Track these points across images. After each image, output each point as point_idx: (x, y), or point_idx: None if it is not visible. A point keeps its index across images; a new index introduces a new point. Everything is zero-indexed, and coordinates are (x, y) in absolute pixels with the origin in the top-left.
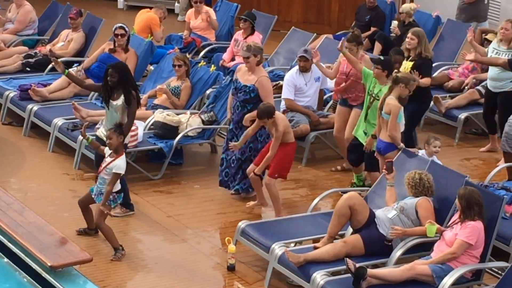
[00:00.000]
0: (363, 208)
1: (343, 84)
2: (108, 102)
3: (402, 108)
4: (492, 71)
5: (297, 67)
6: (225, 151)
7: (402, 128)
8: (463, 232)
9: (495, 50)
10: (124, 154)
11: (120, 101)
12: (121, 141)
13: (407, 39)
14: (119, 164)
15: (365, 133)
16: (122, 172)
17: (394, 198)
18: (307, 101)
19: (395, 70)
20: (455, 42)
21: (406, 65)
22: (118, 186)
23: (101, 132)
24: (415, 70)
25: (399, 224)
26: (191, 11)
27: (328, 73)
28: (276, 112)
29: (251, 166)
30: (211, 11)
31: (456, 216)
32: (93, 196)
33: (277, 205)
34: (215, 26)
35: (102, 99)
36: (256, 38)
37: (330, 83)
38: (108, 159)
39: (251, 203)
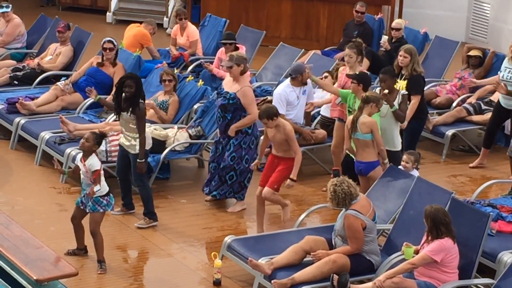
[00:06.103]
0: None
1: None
2: (119, 114)
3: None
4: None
5: (287, 81)
6: (212, 161)
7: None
8: (429, 247)
9: (507, 69)
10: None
11: (129, 112)
12: (94, 149)
13: (399, 57)
14: (93, 162)
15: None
16: (99, 167)
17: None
18: (295, 114)
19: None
20: (442, 59)
21: (401, 84)
22: (106, 188)
23: (122, 141)
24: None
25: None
26: (176, 27)
27: (325, 87)
28: (281, 119)
29: (266, 188)
30: (193, 32)
31: (424, 237)
32: (81, 208)
33: (286, 208)
34: (194, 50)
35: (115, 111)
36: (240, 50)
37: (317, 97)
38: (81, 165)
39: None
